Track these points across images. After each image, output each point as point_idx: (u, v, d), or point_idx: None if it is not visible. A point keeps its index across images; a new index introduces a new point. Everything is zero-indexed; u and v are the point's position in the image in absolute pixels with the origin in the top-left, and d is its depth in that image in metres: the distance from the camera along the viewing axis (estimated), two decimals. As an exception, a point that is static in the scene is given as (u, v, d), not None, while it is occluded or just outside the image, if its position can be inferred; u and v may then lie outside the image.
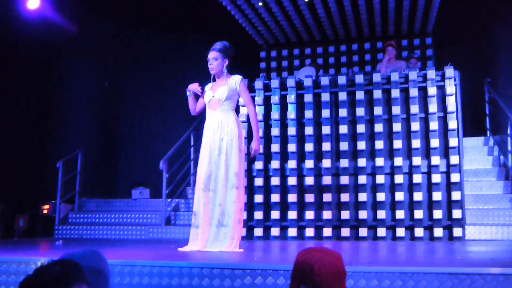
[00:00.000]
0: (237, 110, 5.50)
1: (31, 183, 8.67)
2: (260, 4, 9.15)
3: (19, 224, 8.33)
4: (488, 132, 8.78)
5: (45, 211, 8.54)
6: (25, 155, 8.63)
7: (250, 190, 7.43)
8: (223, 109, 5.24)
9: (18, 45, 8.55)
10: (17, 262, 3.86)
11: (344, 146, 7.18)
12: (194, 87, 5.42)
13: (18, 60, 8.72)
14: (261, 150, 7.30)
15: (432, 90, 6.93)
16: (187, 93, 5.46)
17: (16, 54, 8.61)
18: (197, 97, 5.54)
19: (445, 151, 6.88)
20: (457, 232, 6.56)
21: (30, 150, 8.77)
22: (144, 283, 3.63)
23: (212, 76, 5.42)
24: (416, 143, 6.90)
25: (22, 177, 8.48)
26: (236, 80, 5.31)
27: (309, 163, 7.25)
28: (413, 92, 7.01)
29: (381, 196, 6.92)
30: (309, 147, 7.29)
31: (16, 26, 8.37)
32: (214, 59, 5.31)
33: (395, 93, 7.08)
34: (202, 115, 5.58)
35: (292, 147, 7.34)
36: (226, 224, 5.02)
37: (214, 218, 5.04)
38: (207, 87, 5.44)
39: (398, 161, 6.93)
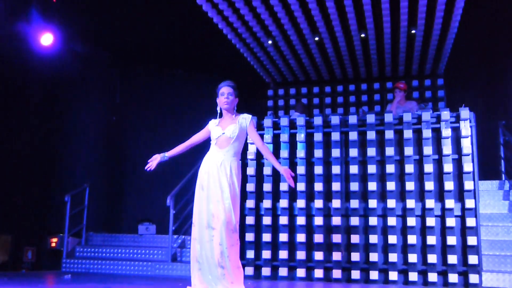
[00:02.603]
0: (244, 149, 5.40)
1: (39, 216, 8.67)
2: (270, 42, 9.16)
3: (27, 256, 8.29)
4: (503, 175, 8.63)
5: (53, 244, 8.54)
6: (33, 188, 8.62)
7: (258, 228, 7.31)
8: (231, 150, 5.14)
9: (28, 79, 8.60)
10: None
11: (354, 186, 7.07)
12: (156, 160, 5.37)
13: (28, 95, 8.77)
14: (270, 188, 7.21)
15: (446, 132, 6.84)
16: (163, 158, 5.40)
17: (26, 88, 8.67)
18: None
19: (460, 194, 6.75)
20: (473, 278, 6.39)
21: (38, 184, 8.77)
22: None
23: (219, 112, 5.32)
24: (429, 185, 6.78)
25: (31, 210, 8.48)
26: (246, 118, 5.24)
27: (318, 203, 7.13)
28: (427, 133, 6.92)
29: (392, 239, 6.78)
30: (318, 186, 7.19)
31: (26, 62, 8.42)
32: (230, 95, 5.23)
33: (408, 133, 7.00)
34: (205, 150, 5.43)
35: (301, 186, 7.24)
36: (224, 266, 4.90)
37: (215, 256, 4.92)
38: (212, 123, 5.33)
39: (411, 203, 6.80)
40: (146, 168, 5.27)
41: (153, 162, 5.31)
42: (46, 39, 8.52)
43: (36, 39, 8.46)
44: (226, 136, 5.16)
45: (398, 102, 8.39)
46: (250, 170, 7.48)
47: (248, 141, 7.38)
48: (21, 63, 8.36)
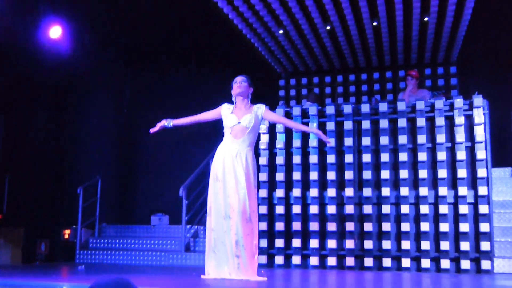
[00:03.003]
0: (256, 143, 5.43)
1: (52, 208, 8.70)
2: (281, 32, 9.14)
3: (41, 248, 8.34)
4: (515, 162, 8.60)
5: (66, 236, 8.57)
6: (46, 181, 8.66)
7: (271, 218, 7.34)
8: (246, 140, 5.17)
9: (39, 73, 8.63)
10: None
11: (367, 175, 7.08)
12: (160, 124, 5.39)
13: (39, 88, 8.80)
14: (282, 178, 7.24)
15: (459, 119, 6.82)
16: (168, 125, 5.40)
17: (37, 82, 8.69)
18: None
19: (473, 182, 6.74)
20: (485, 264, 6.40)
21: (51, 176, 8.81)
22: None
23: (234, 100, 5.33)
24: (442, 173, 6.78)
25: (43, 202, 8.51)
26: (260, 107, 5.28)
27: (331, 192, 7.14)
28: (440, 121, 6.91)
29: (405, 227, 6.79)
30: (331, 175, 7.20)
31: (36, 54, 8.46)
32: (243, 81, 5.27)
33: (421, 121, 6.99)
34: (218, 141, 5.44)
35: (314, 175, 7.25)
36: (239, 255, 4.94)
37: (232, 246, 4.96)
38: (226, 108, 5.32)
39: (424, 191, 6.80)
40: (150, 130, 5.30)
41: (157, 125, 5.32)
42: (55, 31, 8.53)
43: (45, 32, 8.48)
44: (242, 126, 5.17)
45: (411, 91, 8.36)
46: (263, 160, 7.50)
47: (260, 131, 7.39)
48: (31, 56, 8.38)
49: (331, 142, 5.32)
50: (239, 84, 5.26)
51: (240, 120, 5.19)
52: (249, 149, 5.18)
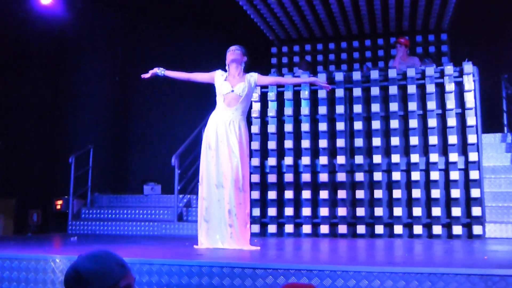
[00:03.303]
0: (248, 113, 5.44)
1: (44, 179, 8.66)
2: (273, -2, 9.04)
3: (33, 219, 8.33)
4: (505, 128, 8.65)
5: (58, 207, 8.56)
6: (37, 151, 8.61)
7: (264, 187, 7.36)
8: (239, 108, 5.16)
9: (30, 40, 8.51)
10: (36, 259, 3.79)
11: (359, 142, 7.09)
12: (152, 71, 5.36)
13: (30, 56, 8.69)
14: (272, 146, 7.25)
15: (450, 86, 6.83)
16: (160, 73, 5.37)
17: (28, 49, 8.58)
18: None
19: (463, 148, 6.78)
20: (477, 230, 6.47)
21: (42, 146, 8.76)
22: (164, 281, 3.56)
23: (228, 68, 5.31)
24: (433, 140, 6.80)
25: (35, 173, 8.48)
26: (253, 75, 5.28)
27: (323, 160, 7.16)
28: (430, 88, 6.91)
29: (397, 193, 6.84)
30: (323, 143, 7.20)
31: (28, 22, 8.34)
32: (237, 49, 5.26)
33: (412, 89, 6.98)
34: (210, 109, 5.42)
35: (306, 144, 7.26)
36: (231, 224, 4.96)
37: (225, 215, 4.98)
38: (219, 75, 5.29)
39: (415, 158, 6.83)
40: (141, 76, 5.29)
41: (149, 72, 5.31)
42: None
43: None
44: (236, 94, 5.15)
45: (401, 58, 8.34)
46: (255, 128, 7.49)
47: (252, 100, 7.37)
48: (21, 23, 8.25)
49: (330, 88, 5.36)
50: (232, 52, 5.25)
51: (233, 88, 5.17)
52: (242, 118, 5.18)
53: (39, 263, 3.78)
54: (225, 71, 5.30)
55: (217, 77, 5.26)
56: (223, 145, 5.06)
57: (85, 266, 1.91)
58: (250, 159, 5.75)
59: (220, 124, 5.11)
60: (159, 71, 5.34)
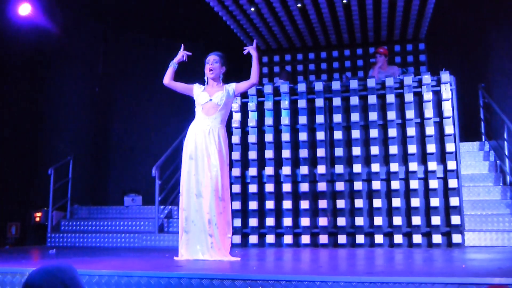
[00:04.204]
0: (229, 117, 5.44)
1: (22, 190, 8.53)
2: (252, 9, 9.09)
3: (11, 232, 8.20)
4: (483, 137, 8.76)
5: (37, 219, 8.44)
6: (15, 162, 8.49)
7: (244, 197, 7.35)
8: (218, 117, 5.16)
9: (7, 51, 8.42)
10: (12, 273, 3.74)
11: (339, 152, 7.12)
12: (181, 55, 5.38)
13: (8, 66, 8.59)
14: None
15: (427, 95, 6.90)
16: (171, 65, 5.38)
17: (6, 60, 8.48)
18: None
19: (442, 157, 6.84)
20: (456, 238, 6.52)
21: (21, 157, 8.63)
22: (142, 294, 3.52)
23: (206, 80, 5.33)
24: (412, 149, 6.86)
25: (13, 184, 8.34)
26: (231, 85, 5.29)
27: (303, 169, 7.18)
28: (409, 97, 6.98)
29: (377, 203, 6.87)
30: (303, 153, 7.23)
31: (5, 32, 8.25)
32: (215, 62, 5.25)
33: (390, 98, 7.04)
34: (190, 120, 5.43)
35: (286, 153, 7.27)
36: (212, 234, 4.94)
37: (205, 225, 4.96)
38: (197, 87, 5.31)
39: (394, 167, 6.88)
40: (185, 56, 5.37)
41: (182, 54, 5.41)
42: (24, 9, 8.31)
43: (14, 9, 8.26)
44: (214, 103, 5.16)
45: (380, 67, 8.43)
46: (235, 138, 7.49)
47: (232, 110, 7.38)
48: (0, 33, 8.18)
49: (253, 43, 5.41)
50: (210, 65, 5.24)
51: (211, 97, 5.18)
52: (221, 126, 5.18)
53: (15, 276, 3.73)
54: (203, 83, 5.32)
55: (195, 90, 5.29)
56: (202, 154, 5.05)
57: (33, 281, 1.99)
58: (230, 169, 5.73)
59: (199, 134, 5.11)
60: (174, 64, 5.38)
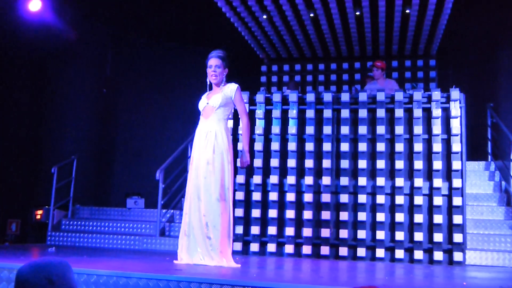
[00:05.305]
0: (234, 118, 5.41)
1: (24, 188, 8.53)
2: (264, 17, 9.09)
3: (11, 229, 8.18)
4: (489, 156, 8.72)
5: (38, 217, 8.41)
6: (19, 160, 8.50)
7: (248, 204, 7.32)
8: (214, 117, 5.13)
9: (16, 48, 8.44)
10: (9, 269, 3.72)
11: (344, 164, 7.09)
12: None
13: (16, 63, 8.61)
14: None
15: (436, 112, 6.86)
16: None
17: (14, 57, 8.50)
18: None
19: (448, 174, 6.80)
20: (457, 256, 6.47)
21: (25, 155, 8.65)
22: (141, 296, 3.50)
23: (209, 84, 5.30)
24: (418, 165, 6.82)
25: (16, 182, 8.35)
26: (231, 88, 5.18)
27: (308, 180, 7.15)
28: (417, 112, 6.94)
29: (380, 217, 6.83)
30: (309, 163, 7.20)
31: (15, 28, 8.27)
32: (218, 67, 5.19)
33: (399, 112, 7.01)
34: (195, 123, 5.44)
35: (291, 163, 7.24)
36: (210, 237, 4.90)
37: (203, 227, 4.93)
38: (203, 96, 5.33)
39: (400, 181, 6.84)
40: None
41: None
42: (34, 4, 8.33)
43: (24, 4, 8.28)
44: (210, 106, 5.17)
45: (377, 81, 8.40)
46: (241, 146, 7.44)
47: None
48: (8, 29, 8.18)
49: (242, 164, 5.31)
50: (213, 72, 5.18)
51: (209, 101, 5.20)
52: (220, 125, 5.11)
53: (12, 272, 3.71)
54: (207, 90, 5.32)
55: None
56: (199, 156, 5.06)
57: (21, 273, 2.00)
58: (234, 172, 5.67)
59: (198, 137, 5.15)
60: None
